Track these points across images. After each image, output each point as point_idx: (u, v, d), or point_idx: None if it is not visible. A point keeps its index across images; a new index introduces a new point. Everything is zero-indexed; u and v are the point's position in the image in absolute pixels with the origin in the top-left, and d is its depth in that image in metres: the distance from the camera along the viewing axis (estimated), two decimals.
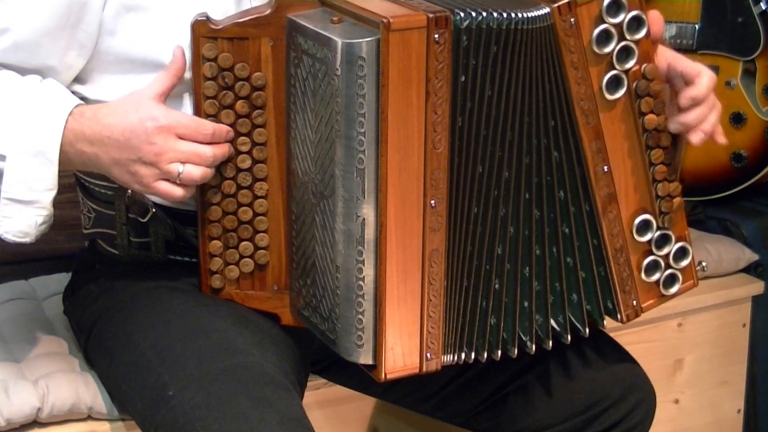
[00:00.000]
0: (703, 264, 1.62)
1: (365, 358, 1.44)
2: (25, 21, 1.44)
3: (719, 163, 2.43)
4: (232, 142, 1.46)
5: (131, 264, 1.60)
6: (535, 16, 1.40)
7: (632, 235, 1.53)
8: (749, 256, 2.39)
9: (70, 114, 1.41)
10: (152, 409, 1.42)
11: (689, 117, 1.50)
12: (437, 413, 1.73)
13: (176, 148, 1.40)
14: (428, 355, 1.45)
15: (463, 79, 1.38)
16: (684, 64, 1.52)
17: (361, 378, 1.51)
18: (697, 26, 2.43)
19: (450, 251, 1.43)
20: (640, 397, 1.64)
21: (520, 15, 1.39)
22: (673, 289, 1.58)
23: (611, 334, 1.68)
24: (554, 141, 1.45)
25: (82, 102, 1.44)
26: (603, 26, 1.43)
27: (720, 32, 2.41)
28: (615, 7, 1.43)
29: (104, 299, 1.59)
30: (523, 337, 1.51)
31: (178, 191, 1.43)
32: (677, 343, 2.32)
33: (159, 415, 1.41)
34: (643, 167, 1.51)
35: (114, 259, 1.61)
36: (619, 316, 1.55)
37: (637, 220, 1.53)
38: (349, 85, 1.34)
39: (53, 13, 1.44)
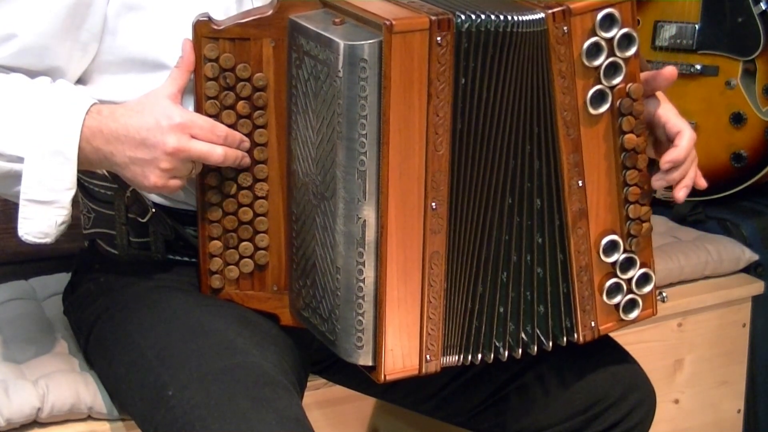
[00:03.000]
0: (664, 294, 1.61)
1: (365, 360, 1.44)
2: (32, 25, 1.44)
3: (719, 163, 2.43)
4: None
5: (131, 264, 1.59)
6: (529, 20, 1.39)
7: (598, 254, 1.51)
8: (749, 256, 2.39)
9: (87, 112, 1.41)
10: (152, 409, 1.42)
11: (673, 176, 1.53)
12: (437, 413, 1.73)
13: (190, 148, 1.40)
14: (428, 356, 1.44)
15: (463, 81, 1.38)
16: (668, 116, 1.54)
17: (361, 378, 1.51)
18: (697, 26, 2.43)
19: (449, 253, 1.43)
20: (640, 397, 1.64)
21: (515, 18, 1.38)
22: (632, 315, 1.56)
23: (611, 334, 1.68)
24: (537, 148, 1.45)
25: (97, 101, 1.44)
26: (594, 39, 1.42)
27: (720, 32, 2.41)
28: (609, 22, 1.43)
29: (104, 299, 1.59)
30: (497, 343, 1.50)
31: (174, 182, 1.43)
32: (677, 343, 2.32)
33: (158, 415, 1.40)
34: (617, 187, 1.50)
35: (114, 259, 1.61)
36: (576, 336, 1.53)
37: (605, 240, 1.51)
38: (350, 87, 1.34)
39: (59, 15, 1.45)
